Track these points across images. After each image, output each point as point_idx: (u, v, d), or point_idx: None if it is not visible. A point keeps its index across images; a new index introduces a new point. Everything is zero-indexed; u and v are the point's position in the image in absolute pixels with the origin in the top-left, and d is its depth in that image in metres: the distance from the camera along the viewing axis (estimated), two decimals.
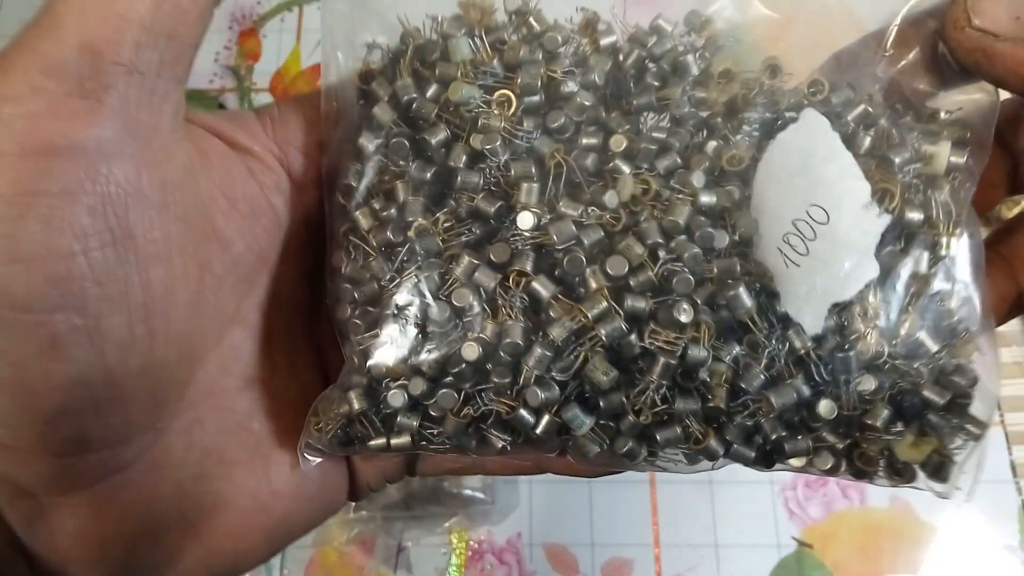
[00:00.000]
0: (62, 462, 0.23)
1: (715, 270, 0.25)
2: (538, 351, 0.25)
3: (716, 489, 0.58)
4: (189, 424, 0.26)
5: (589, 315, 0.24)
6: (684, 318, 0.24)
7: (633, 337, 0.25)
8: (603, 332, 0.24)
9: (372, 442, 0.26)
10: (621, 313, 0.25)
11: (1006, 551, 0.56)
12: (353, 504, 0.58)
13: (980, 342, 0.26)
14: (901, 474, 0.26)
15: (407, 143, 0.27)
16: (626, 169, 0.26)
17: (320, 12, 0.31)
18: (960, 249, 0.26)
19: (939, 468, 0.26)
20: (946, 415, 0.26)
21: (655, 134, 0.27)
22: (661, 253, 0.25)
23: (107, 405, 0.22)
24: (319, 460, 0.27)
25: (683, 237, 0.25)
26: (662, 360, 0.25)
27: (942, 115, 0.27)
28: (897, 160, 0.26)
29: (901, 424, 0.26)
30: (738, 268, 0.25)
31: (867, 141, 0.26)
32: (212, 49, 0.73)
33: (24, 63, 0.20)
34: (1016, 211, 0.61)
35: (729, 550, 0.57)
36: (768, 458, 0.26)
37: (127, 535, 0.25)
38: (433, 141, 0.27)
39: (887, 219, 0.25)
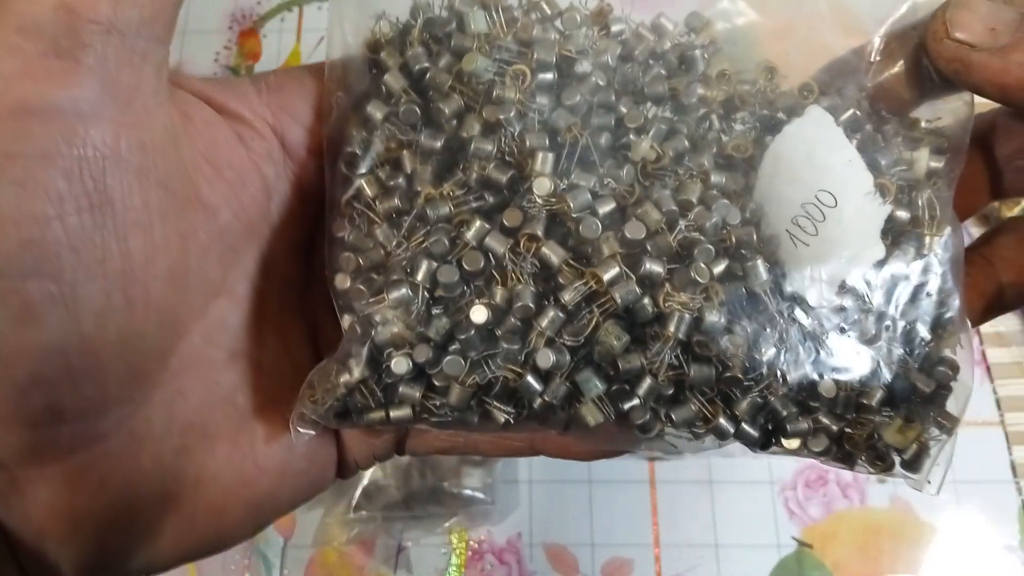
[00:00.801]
0: (35, 433, 0.22)
1: (733, 239, 0.26)
2: (551, 313, 0.25)
3: (716, 489, 0.58)
4: (171, 396, 0.25)
5: (604, 279, 0.24)
6: (702, 277, 0.25)
7: (647, 300, 0.25)
8: (617, 296, 0.24)
9: (371, 414, 0.26)
10: (633, 278, 0.25)
11: (1006, 551, 0.56)
12: (353, 504, 0.58)
13: (963, 342, 0.28)
14: (883, 460, 0.27)
15: (418, 110, 0.27)
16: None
17: None
18: (943, 247, 0.27)
19: (916, 457, 0.27)
20: (928, 405, 0.27)
21: (662, 124, 0.28)
22: (681, 223, 0.26)
23: (83, 375, 0.22)
24: (312, 434, 0.27)
25: (700, 207, 0.26)
26: (677, 315, 0.25)
27: (923, 124, 0.29)
28: (884, 162, 0.27)
29: (891, 409, 0.27)
30: (755, 238, 0.26)
31: (854, 144, 0.27)
32: (212, 49, 0.73)
33: None
34: (1016, 211, 0.61)
35: (729, 550, 0.57)
36: (767, 438, 0.27)
37: (104, 508, 0.24)
38: (447, 110, 0.27)
39: (888, 209, 0.27)
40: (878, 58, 0.28)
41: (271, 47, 0.73)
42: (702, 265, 0.25)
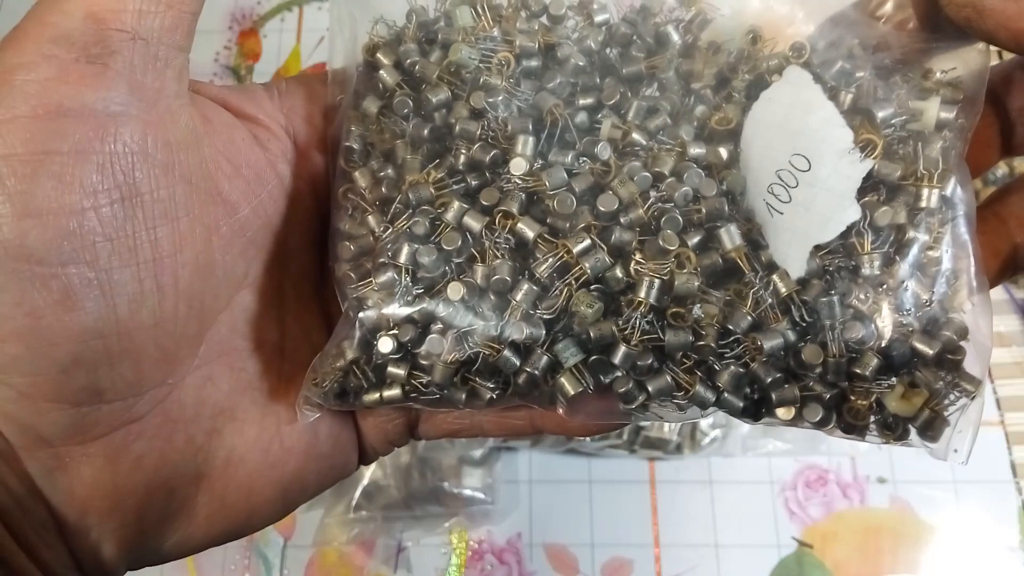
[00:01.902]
0: (78, 411, 0.24)
1: (703, 211, 0.26)
2: (525, 286, 0.26)
3: (716, 489, 0.58)
4: (202, 381, 0.27)
5: (574, 251, 0.25)
6: (669, 244, 0.25)
7: (618, 270, 0.25)
8: (587, 265, 0.25)
9: (365, 395, 0.27)
10: (604, 248, 0.25)
11: (1006, 551, 0.56)
12: (353, 504, 0.58)
13: (974, 298, 0.26)
14: (892, 429, 0.26)
15: (410, 101, 0.28)
16: (618, 120, 0.27)
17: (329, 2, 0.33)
18: (948, 203, 0.26)
19: (930, 425, 0.25)
20: (938, 370, 0.26)
21: (643, 102, 0.28)
22: (652, 194, 0.26)
23: (119, 357, 0.24)
24: (317, 415, 0.28)
25: (672, 179, 0.26)
26: (647, 280, 0.25)
27: (937, 75, 0.27)
28: (881, 115, 0.26)
29: (891, 376, 0.26)
30: (726, 209, 0.26)
31: (848, 97, 0.27)
32: (212, 49, 0.73)
33: (34, 34, 0.22)
34: None
35: (729, 550, 0.57)
36: (756, 408, 0.26)
37: (142, 485, 0.26)
38: (434, 99, 0.28)
39: (868, 164, 0.25)
40: (887, 7, 0.27)
41: (271, 47, 0.73)
42: (669, 232, 0.25)
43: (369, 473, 0.58)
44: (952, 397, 0.26)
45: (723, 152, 0.27)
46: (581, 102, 0.28)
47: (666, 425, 0.58)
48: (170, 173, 0.24)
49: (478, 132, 0.27)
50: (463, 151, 0.27)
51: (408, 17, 0.30)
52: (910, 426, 0.26)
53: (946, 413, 0.26)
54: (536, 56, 0.28)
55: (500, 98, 0.27)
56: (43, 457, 0.24)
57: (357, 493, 0.58)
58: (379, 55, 0.29)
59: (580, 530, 0.58)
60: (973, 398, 0.26)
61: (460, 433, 0.30)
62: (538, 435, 0.30)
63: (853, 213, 0.25)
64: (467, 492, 0.58)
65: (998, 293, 0.62)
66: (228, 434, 0.28)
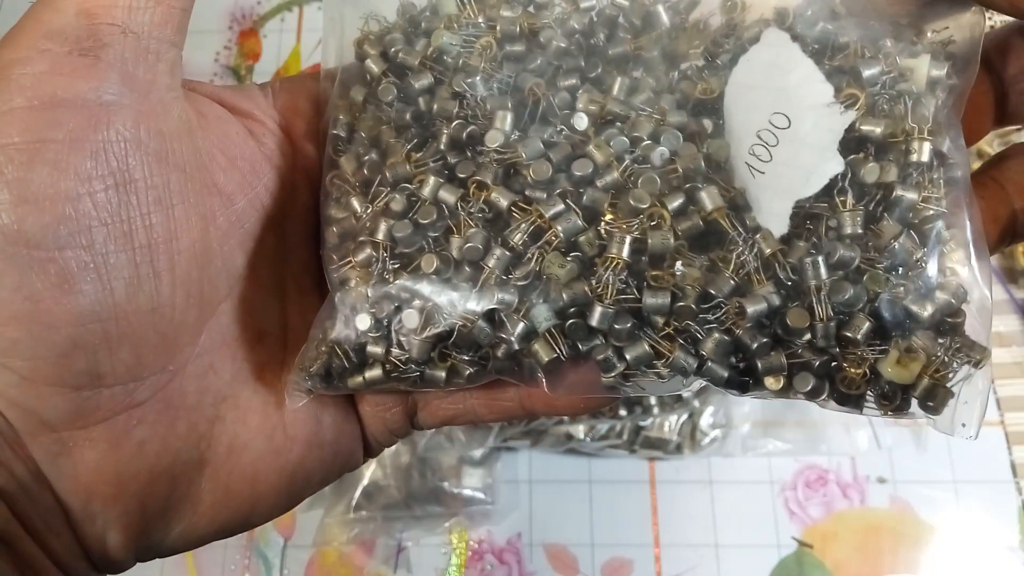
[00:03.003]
0: (79, 395, 0.24)
1: (679, 169, 0.25)
2: (497, 251, 0.26)
3: (716, 489, 0.58)
4: (203, 370, 0.28)
5: (546, 215, 0.25)
6: (640, 203, 0.25)
7: (591, 233, 0.25)
8: (559, 228, 0.25)
9: (350, 379, 0.27)
10: (579, 212, 0.25)
11: (1006, 551, 0.56)
12: (353, 504, 0.58)
13: (973, 264, 0.26)
14: (890, 399, 0.25)
15: (395, 88, 0.29)
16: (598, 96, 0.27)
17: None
18: (943, 158, 0.25)
19: (931, 394, 0.24)
20: (937, 335, 0.25)
21: (628, 79, 0.28)
22: (627, 157, 0.26)
23: (118, 341, 0.24)
24: (305, 400, 0.28)
25: (649, 142, 0.26)
26: (618, 236, 0.25)
27: (929, 34, 0.27)
28: (867, 73, 0.26)
29: (883, 340, 0.25)
30: (703, 164, 0.26)
31: (832, 56, 0.26)
32: (212, 49, 0.73)
33: (29, 30, 0.23)
34: None
35: (729, 550, 0.57)
36: (743, 378, 0.26)
37: (144, 471, 0.26)
38: (416, 85, 0.28)
39: (851, 116, 0.25)
40: None
41: (271, 47, 0.73)
42: (639, 191, 0.25)
43: (369, 473, 0.58)
44: (955, 365, 0.24)
45: (707, 123, 0.27)
46: (563, 83, 0.28)
47: (666, 425, 0.58)
48: (163, 161, 0.25)
49: (455, 111, 0.27)
50: (444, 129, 0.27)
51: (398, 12, 0.30)
52: (910, 396, 0.25)
53: (949, 383, 0.24)
54: (519, 40, 0.28)
55: (478, 77, 0.27)
56: (47, 442, 0.24)
57: (357, 493, 0.58)
58: (366, 46, 0.30)
59: (580, 530, 0.58)
60: (979, 366, 0.24)
61: (456, 419, 0.30)
62: (530, 417, 0.30)
63: (836, 165, 0.25)
64: (467, 492, 0.58)
65: (998, 293, 0.62)
66: (231, 422, 0.28)
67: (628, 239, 0.25)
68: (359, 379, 0.27)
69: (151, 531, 0.27)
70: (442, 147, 0.28)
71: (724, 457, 0.59)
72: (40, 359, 0.23)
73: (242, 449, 0.28)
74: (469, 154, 0.27)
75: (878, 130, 0.25)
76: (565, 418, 0.57)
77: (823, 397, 0.25)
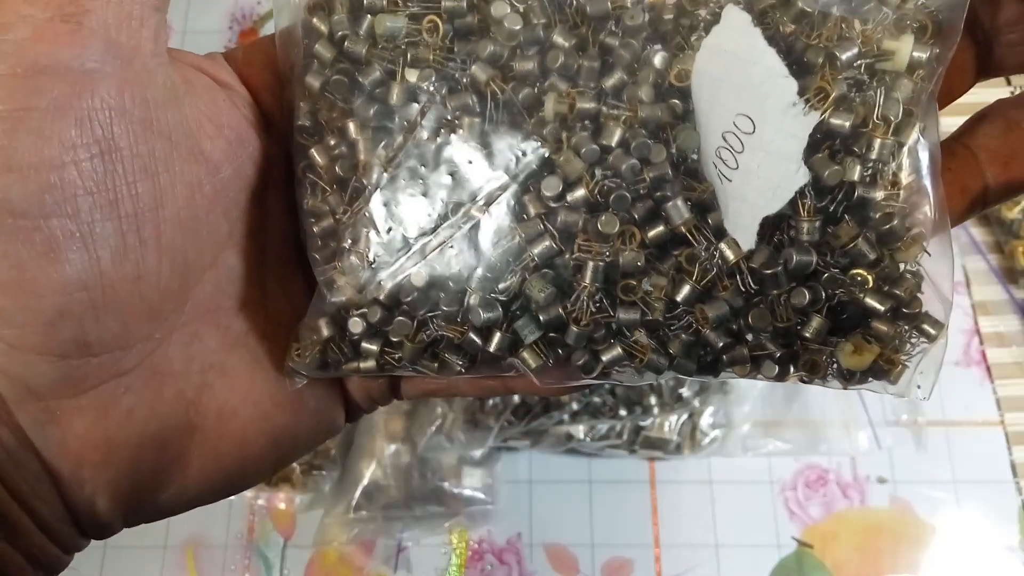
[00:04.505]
0: (66, 363, 0.24)
1: (648, 179, 0.25)
2: (479, 272, 0.26)
3: (716, 489, 0.59)
4: (189, 338, 0.28)
5: (523, 235, 0.26)
6: (608, 229, 0.25)
7: (567, 256, 0.26)
8: (535, 251, 0.26)
9: (345, 367, 0.28)
10: (555, 234, 0.26)
11: (1006, 551, 0.56)
12: (353, 504, 0.58)
13: (931, 243, 0.25)
14: (848, 378, 0.26)
15: (347, 80, 0.28)
16: (563, 87, 0.26)
17: None
18: (909, 149, 0.25)
19: (882, 372, 0.26)
20: (895, 323, 0.25)
21: (606, 42, 0.26)
22: (598, 172, 0.26)
23: (104, 309, 0.24)
24: (305, 381, 0.29)
25: (619, 151, 0.26)
26: (591, 265, 0.26)
27: (909, 4, 0.25)
28: (844, 56, 0.24)
29: (840, 336, 0.26)
30: (670, 173, 0.26)
31: (796, 38, 0.25)
32: (212, 49, 0.73)
33: None
34: (1016, 211, 0.61)
35: (729, 550, 0.57)
36: (712, 367, 0.27)
37: (133, 437, 0.26)
38: (367, 81, 0.28)
39: (814, 117, 0.24)
40: None
41: None
42: (607, 217, 0.25)
43: (369, 473, 0.58)
44: (912, 343, 0.25)
45: (679, 105, 0.26)
46: (520, 67, 0.26)
47: (666, 425, 0.58)
48: (149, 129, 0.24)
49: (418, 119, 0.27)
50: (410, 137, 0.27)
51: None
52: (867, 374, 0.26)
53: (904, 358, 0.25)
54: (466, 14, 0.27)
55: (433, 78, 0.27)
56: (34, 410, 0.24)
57: (357, 493, 0.58)
58: (315, 20, 0.28)
59: (580, 530, 0.58)
60: (934, 341, 0.25)
61: (438, 393, 0.31)
62: (510, 394, 0.30)
63: (801, 178, 0.24)
64: (467, 492, 0.58)
65: (998, 293, 0.62)
66: (219, 388, 0.28)
67: (601, 267, 0.26)
68: (354, 366, 0.28)
69: (141, 495, 0.27)
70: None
71: (724, 457, 0.59)
72: (26, 327, 0.23)
73: (231, 415, 0.28)
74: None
75: (848, 124, 0.24)
76: (565, 418, 0.58)
77: (789, 379, 0.27)
